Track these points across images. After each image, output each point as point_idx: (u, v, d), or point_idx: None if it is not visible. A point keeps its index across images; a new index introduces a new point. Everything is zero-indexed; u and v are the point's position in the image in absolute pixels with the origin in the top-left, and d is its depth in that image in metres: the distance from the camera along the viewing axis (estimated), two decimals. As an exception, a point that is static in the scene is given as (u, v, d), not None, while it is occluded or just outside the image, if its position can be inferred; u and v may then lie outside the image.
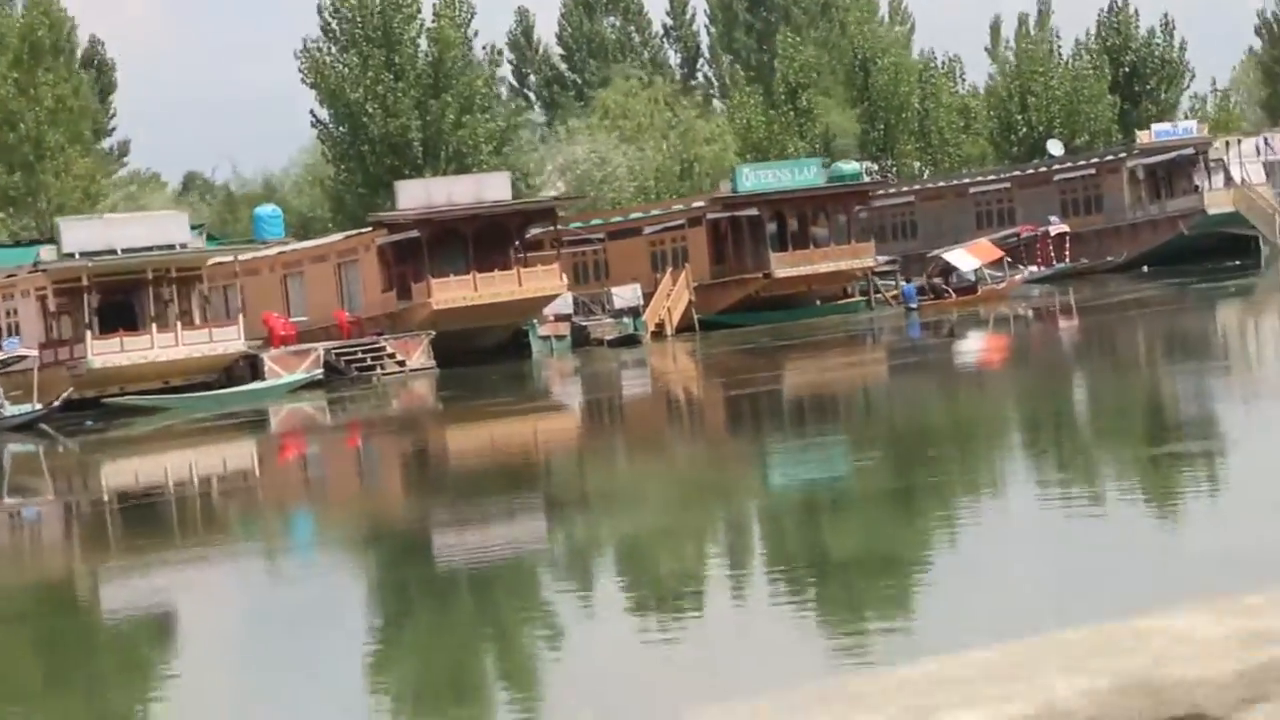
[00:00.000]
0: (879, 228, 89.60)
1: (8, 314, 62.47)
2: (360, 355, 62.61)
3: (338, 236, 70.62)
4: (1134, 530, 17.54)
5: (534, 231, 68.64)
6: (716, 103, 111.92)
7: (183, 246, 61.25)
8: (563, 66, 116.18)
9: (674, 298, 70.93)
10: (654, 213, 76.43)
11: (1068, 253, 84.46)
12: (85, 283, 59.04)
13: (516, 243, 66.94)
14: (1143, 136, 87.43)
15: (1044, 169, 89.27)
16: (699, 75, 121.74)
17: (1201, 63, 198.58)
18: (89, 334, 59.14)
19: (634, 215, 77.21)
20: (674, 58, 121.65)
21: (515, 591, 18.48)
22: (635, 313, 70.60)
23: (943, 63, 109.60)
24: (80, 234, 60.46)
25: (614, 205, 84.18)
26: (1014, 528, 18.93)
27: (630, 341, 68.12)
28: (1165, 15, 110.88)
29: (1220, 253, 78.88)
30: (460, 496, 27.74)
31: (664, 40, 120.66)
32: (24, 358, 56.76)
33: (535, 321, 68.56)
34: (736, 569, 18.77)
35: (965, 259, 75.96)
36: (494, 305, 64.37)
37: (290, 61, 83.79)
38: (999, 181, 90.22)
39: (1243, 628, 2.48)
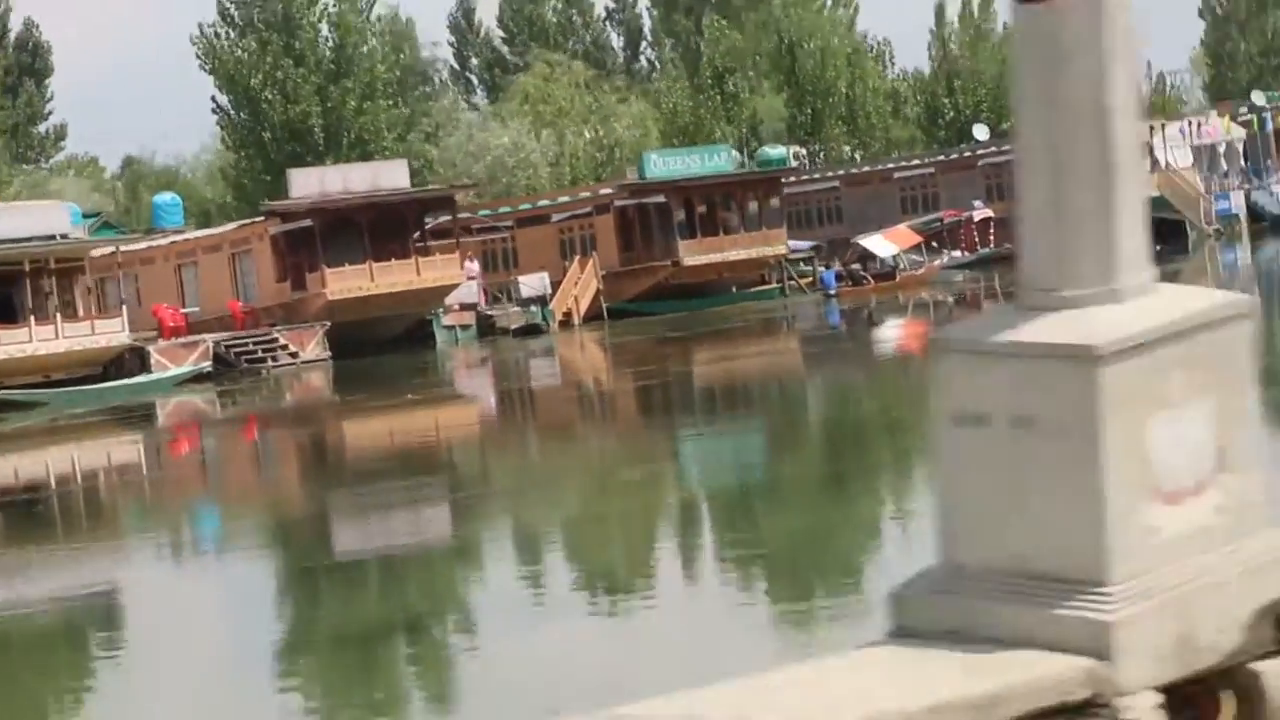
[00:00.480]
0: (804, 213, 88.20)
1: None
2: (251, 347, 60.86)
3: (231, 226, 68.88)
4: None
5: (433, 220, 66.89)
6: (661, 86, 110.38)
7: (63, 237, 59.40)
8: (504, 49, 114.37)
9: (582, 286, 69.25)
10: (562, 200, 74.69)
11: (992, 238, 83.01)
12: (-40, 275, 57.29)
13: (417, 232, 65.31)
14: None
15: (969, 154, 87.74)
16: (641, 59, 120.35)
17: (1150, 47, 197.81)
18: (-36, 327, 57.34)
19: (542, 203, 75.43)
20: (616, 41, 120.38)
21: (389, 591, 18.23)
22: (543, 301, 68.97)
23: (873, 46, 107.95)
24: (-44, 225, 58.60)
25: (528, 192, 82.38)
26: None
27: (533, 331, 66.49)
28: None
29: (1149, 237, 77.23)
30: (336, 488, 27.59)
31: (606, 23, 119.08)
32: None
33: (440, 311, 66.96)
34: (629, 562, 18.59)
35: (883, 245, 74.81)
36: (392, 295, 62.73)
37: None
38: (923, 167, 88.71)
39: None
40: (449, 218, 67.09)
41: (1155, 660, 3.95)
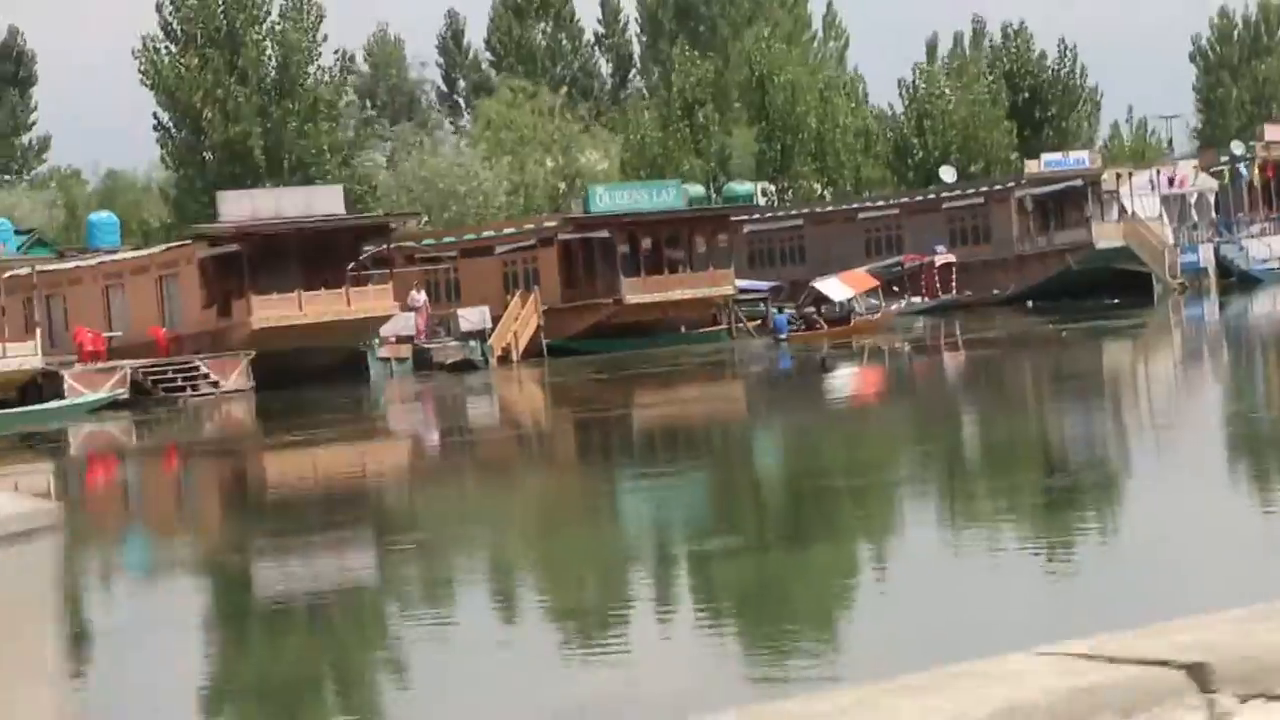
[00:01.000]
0: (767, 252, 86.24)
1: None
2: (170, 375, 58.74)
3: (159, 248, 66.75)
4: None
5: (370, 249, 64.74)
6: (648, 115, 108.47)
7: (-23, 254, 57.34)
8: (491, 72, 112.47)
9: (522, 321, 67.13)
10: (507, 231, 72.53)
11: (954, 284, 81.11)
12: None
13: (353, 261, 63.21)
14: (1031, 166, 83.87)
15: (934, 196, 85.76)
16: (629, 86, 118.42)
17: (1135, 91, 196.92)
18: None
19: (487, 233, 73.27)
20: (605, 67, 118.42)
21: (293, 631, 17.91)
22: (482, 336, 66.88)
23: (845, 83, 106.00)
24: None
25: (478, 222, 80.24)
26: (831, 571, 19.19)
27: (467, 366, 64.37)
28: (1062, 40, 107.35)
29: (1112, 289, 75.30)
30: (226, 528, 27.38)
31: (595, 49, 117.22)
32: None
33: (376, 343, 64.84)
34: (548, 604, 18.55)
35: (839, 288, 72.63)
36: (320, 326, 60.56)
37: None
38: (889, 208, 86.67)
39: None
40: (386, 246, 64.96)
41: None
